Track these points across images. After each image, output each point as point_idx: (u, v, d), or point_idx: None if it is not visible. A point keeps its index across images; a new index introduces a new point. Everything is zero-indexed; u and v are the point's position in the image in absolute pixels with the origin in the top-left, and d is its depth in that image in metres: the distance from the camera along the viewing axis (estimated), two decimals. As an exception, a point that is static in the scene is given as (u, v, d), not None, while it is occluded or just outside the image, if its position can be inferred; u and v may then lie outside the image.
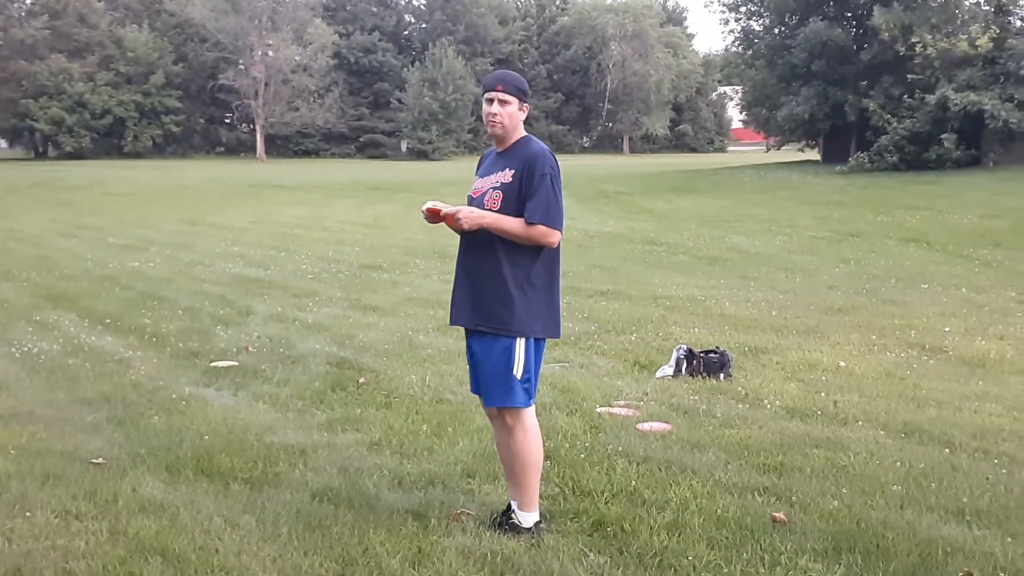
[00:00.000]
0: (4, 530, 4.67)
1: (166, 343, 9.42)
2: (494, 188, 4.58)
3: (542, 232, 4.43)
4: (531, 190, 4.46)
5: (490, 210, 4.52)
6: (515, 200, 4.49)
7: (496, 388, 4.56)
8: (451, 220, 4.49)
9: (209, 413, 6.91)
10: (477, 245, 4.58)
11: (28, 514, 4.87)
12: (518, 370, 4.51)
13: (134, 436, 6.35)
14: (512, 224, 4.44)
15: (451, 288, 4.74)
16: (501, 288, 4.48)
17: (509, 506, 4.75)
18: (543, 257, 4.53)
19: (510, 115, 4.57)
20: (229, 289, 13.03)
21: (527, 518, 4.65)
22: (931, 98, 32.33)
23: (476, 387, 4.73)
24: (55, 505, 5.01)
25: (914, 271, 13.79)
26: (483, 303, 4.53)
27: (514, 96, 4.57)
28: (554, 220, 4.45)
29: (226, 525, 4.75)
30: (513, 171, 4.54)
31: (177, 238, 20.30)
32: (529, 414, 4.64)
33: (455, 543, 4.53)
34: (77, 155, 70.28)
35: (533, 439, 4.64)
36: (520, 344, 4.51)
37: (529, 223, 4.43)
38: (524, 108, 4.62)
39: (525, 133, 4.69)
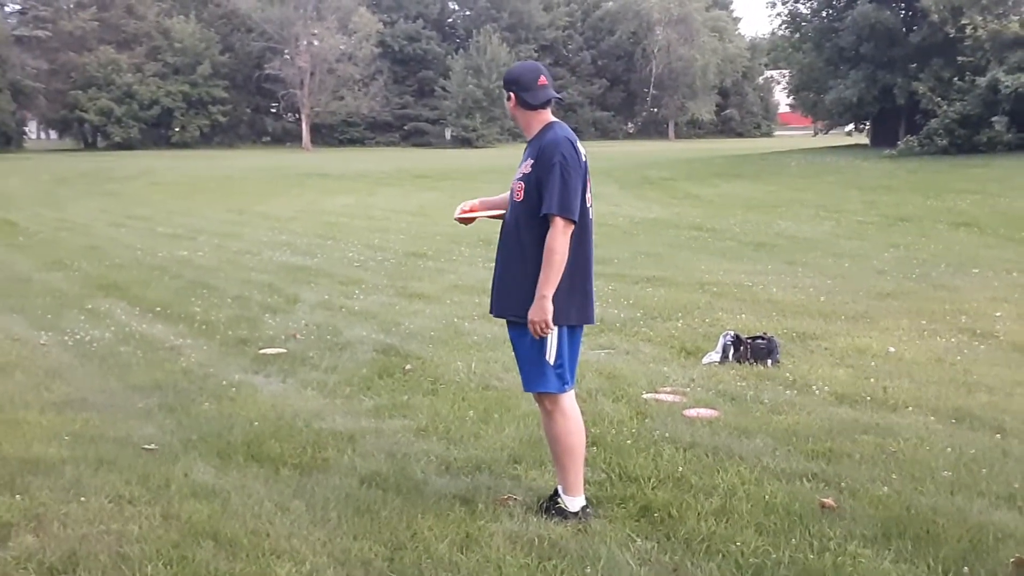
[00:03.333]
0: (59, 515, 4.74)
1: (215, 331, 9.53)
2: (518, 179, 4.64)
3: (559, 225, 4.42)
4: (544, 181, 4.48)
5: (516, 201, 4.61)
6: (535, 190, 4.53)
7: (530, 374, 4.64)
8: (536, 332, 4.48)
9: (259, 400, 6.98)
10: (507, 238, 4.68)
11: (83, 499, 4.95)
12: (551, 356, 4.55)
13: (185, 422, 6.43)
14: (546, 267, 4.42)
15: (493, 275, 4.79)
16: (529, 280, 4.49)
17: (556, 491, 4.76)
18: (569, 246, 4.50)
19: (512, 110, 4.67)
20: (277, 277, 13.14)
21: (573, 502, 4.66)
22: (981, 80, 31.79)
23: None
24: (109, 490, 5.08)
25: (964, 255, 13.61)
26: (513, 294, 4.59)
27: (507, 91, 4.66)
28: (567, 209, 4.43)
29: (277, 509, 4.81)
30: (532, 161, 4.57)
31: (225, 227, 20.48)
32: (567, 399, 4.67)
33: (503, 528, 4.55)
34: (126, 145, 71.07)
35: (573, 424, 4.66)
36: (553, 333, 4.53)
37: (545, 215, 4.44)
38: (511, 98, 4.65)
39: (550, 120, 4.68)
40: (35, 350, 8.91)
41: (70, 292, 12.21)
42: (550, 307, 4.42)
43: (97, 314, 10.62)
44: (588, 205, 4.64)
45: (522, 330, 4.55)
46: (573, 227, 4.47)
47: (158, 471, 5.38)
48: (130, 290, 12.20)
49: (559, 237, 4.42)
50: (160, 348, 8.86)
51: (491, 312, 4.84)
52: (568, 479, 4.67)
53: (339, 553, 4.31)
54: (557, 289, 4.45)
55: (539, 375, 4.61)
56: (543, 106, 4.65)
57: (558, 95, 4.73)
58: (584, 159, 4.60)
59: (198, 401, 6.96)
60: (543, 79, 4.62)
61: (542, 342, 4.54)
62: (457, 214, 4.99)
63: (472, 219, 5.02)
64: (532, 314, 4.45)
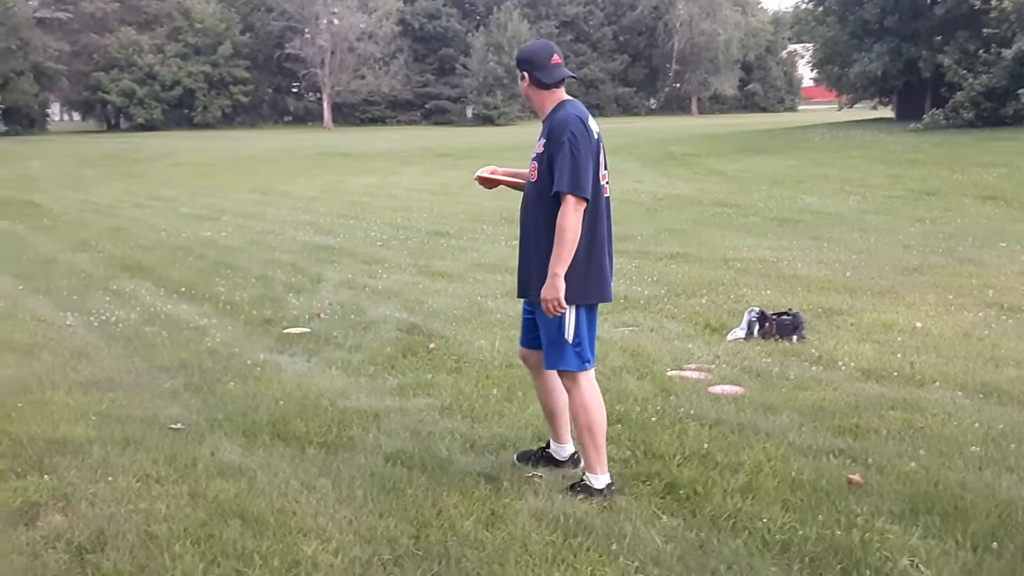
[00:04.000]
0: (87, 494, 4.78)
1: (240, 311, 9.56)
2: (532, 159, 4.68)
3: (571, 203, 4.43)
4: (555, 159, 4.50)
5: (531, 181, 4.67)
6: (547, 169, 4.55)
7: (551, 353, 4.68)
8: (548, 310, 4.51)
9: (283, 379, 7.00)
10: (525, 218, 4.74)
11: (110, 478, 4.98)
12: (569, 335, 4.58)
13: (211, 402, 6.46)
14: (559, 245, 4.43)
15: (517, 253, 4.83)
16: (546, 259, 4.50)
17: (583, 469, 4.78)
18: (582, 227, 4.49)
19: (525, 89, 4.68)
20: (300, 257, 13.17)
21: (597, 480, 4.67)
22: (1008, 52, 31.38)
23: (523, 341, 4.99)
24: (136, 470, 5.11)
25: (991, 229, 13.49)
26: (533, 274, 4.64)
27: (520, 71, 4.67)
28: (578, 187, 4.43)
29: (303, 488, 4.83)
30: (544, 140, 4.60)
31: (248, 207, 20.54)
32: (586, 378, 4.69)
33: (528, 506, 4.55)
34: (148, 127, 71.32)
35: (591, 401, 4.67)
36: (570, 312, 4.55)
37: (556, 192, 4.46)
38: (524, 77, 4.65)
39: (564, 99, 4.67)
40: (61, 331, 8.97)
41: (95, 273, 12.29)
42: (562, 285, 4.43)
43: (122, 295, 10.68)
44: (604, 183, 4.65)
45: (543, 310, 4.55)
46: (585, 205, 4.47)
47: (185, 450, 5.41)
48: (155, 271, 12.26)
49: (571, 215, 4.43)
50: (185, 328, 8.90)
51: (518, 295, 4.90)
52: (590, 457, 4.70)
53: (365, 531, 4.32)
54: (573, 268, 4.46)
55: (559, 354, 4.64)
56: (557, 85, 4.64)
57: (572, 74, 4.72)
58: (597, 136, 4.60)
59: (223, 381, 6.98)
60: (556, 57, 4.62)
61: (560, 321, 4.56)
62: (480, 172, 5.02)
63: (495, 182, 5.04)
64: (544, 292, 4.47)
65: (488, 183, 5.07)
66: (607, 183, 4.68)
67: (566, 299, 4.47)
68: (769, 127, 44.35)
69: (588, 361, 4.67)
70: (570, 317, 4.56)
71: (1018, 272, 10.28)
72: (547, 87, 4.62)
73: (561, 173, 4.44)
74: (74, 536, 4.30)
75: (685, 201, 18.74)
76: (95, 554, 4.15)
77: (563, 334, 4.58)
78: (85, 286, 11.25)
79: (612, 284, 4.79)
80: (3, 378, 7.18)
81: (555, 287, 4.43)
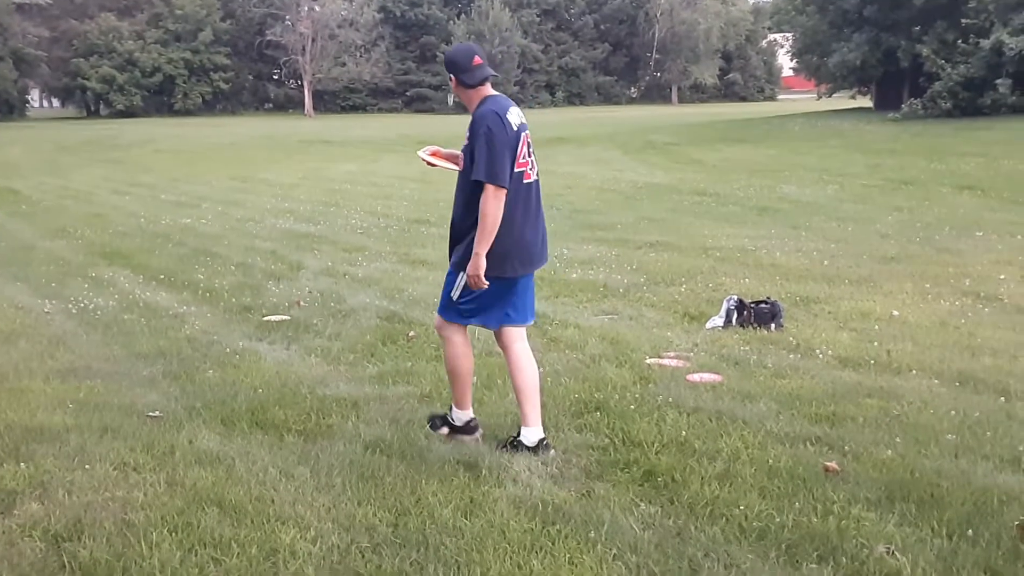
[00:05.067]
0: (64, 482, 4.75)
1: (219, 298, 9.53)
2: (462, 150, 5.13)
3: (490, 190, 4.86)
4: (475, 152, 4.94)
5: (461, 171, 5.13)
6: (470, 160, 5.00)
7: (442, 303, 5.27)
8: (471, 284, 5.03)
9: (263, 367, 6.99)
10: (455, 203, 5.21)
11: (87, 466, 4.96)
12: (455, 294, 5.12)
13: (189, 390, 6.45)
14: (484, 226, 4.89)
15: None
16: (464, 240, 5.04)
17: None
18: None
19: (455, 89, 5.17)
20: (280, 244, 13.14)
21: (457, 416, 5.32)
22: (985, 43, 31.56)
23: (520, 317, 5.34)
24: (113, 458, 5.09)
25: (968, 219, 13.57)
26: (459, 248, 5.13)
27: (448, 73, 5.15)
28: (494, 176, 4.85)
29: (281, 476, 4.82)
30: (468, 134, 5.02)
31: (228, 195, 20.47)
32: (459, 331, 5.26)
33: (506, 493, 4.56)
34: (128, 113, 70.95)
35: (458, 352, 5.26)
36: (461, 277, 5.05)
37: (474, 180, 4.91)
38: (451, 79, 5.11)
39: (487, 95, 5.09)
40: (39, 318, 8.93)
41: (74, 260, 12.23)
42: (483, 263, 4.90)
43: (101, 282, 10.63)
44: (526, 170, 5.06)
45: (451, 272, 5.16)
46: (504, 192, 4.87)
47: (163, 438, 5.39)
48: (134, 258, 12.21)
49: (490, 201, 4.86)
50: (164, 316, 8.87)
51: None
52: (455, 395, 5.35)
53: (343, 519, 4.33)
54: (492, 247, 4.91)
55: (445, 304, 5.23)
56: (480, 84, 5.07)
57: (493, 73, 5.15)
58: (517, 128, 4.99)
59: (202, 368, 6.97)
60: (477, 59, 5.05)
61: (451, 280, 5.13)
62: (424, 154, 5.43)
63: (435, 164, 5.41)
64: (469, 269, 4.96)
65: (432, 164, 5.41)
66: (532, 169, 5.11)
67: (460, 267, 5.02)
68: (749, 116, 44.48)
69: (470, 318, 5.19)
70: (461, 280, 5.05)
71: (994, 261, 10.35)
72: (471, 87, 5.07)
73: (479, 164, 4.88)
74: (51, 524, 4.28)
75: (665, 190, 18.78)
76: (72, 542, 4.13)
77: (451, 289, 5.14)
78: (63, 273, 11.19)
79: (546, 253, 5.33)
80: (-20, 366, 7.14)
81: (476, 265, 4.91)
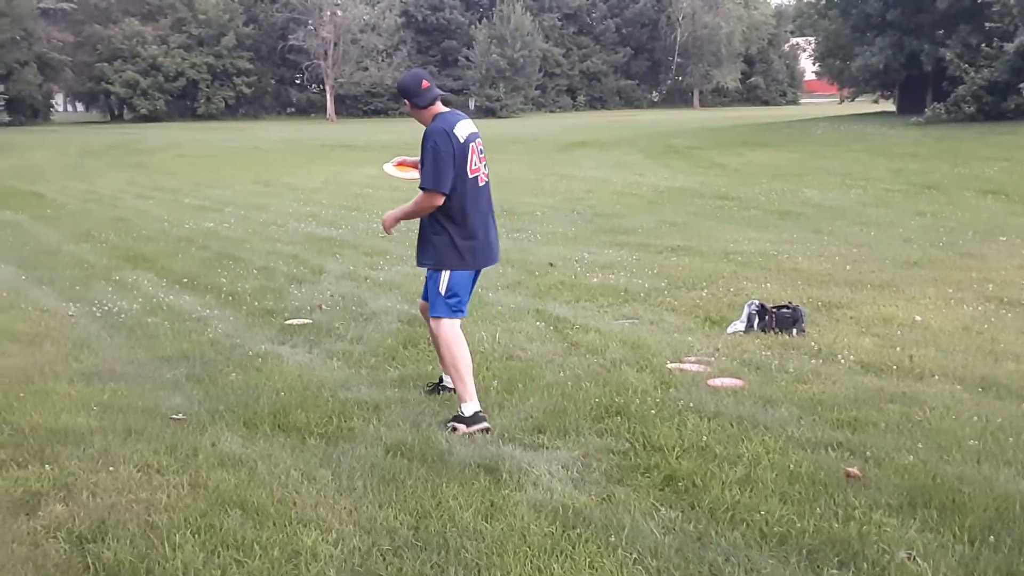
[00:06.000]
0: (88, 484, 4.80)
1: (242, 302, 9.58)
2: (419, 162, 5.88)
3: (427, 196, 5.64)
4: (424, 162, 5.67)
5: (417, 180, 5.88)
6: (421, 170, 5.76)
7: (431, 302, 5.90)
8: (383, 226, 6.06)
9: (285, 370, 7.02)
10: None
11: (111, 468, 5.00)
12: (443, 289, 5.78)
13: (212, 392, 6.49)
14: (409, 206, 5.83)
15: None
16: (433, 236, 5.79)
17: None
18: (449, 210, 5.67)
19: (410, 111, 5.85)
20: (302, 248, 13.19)
21: (466, 407, 5.66)
22: (1009, 46, 31.32)
23: (423, 296, 6.13)
24: (137, 460, 5.13)
25: (992, 223, 13.49)
26: (424, 249, 5.88)
27: (403, 98, 5.86)
28: (436, 183, 5.60)
29: (303, 479, 4.85)
30: (422, 147, 5.68)
31: (251, 199, 20.55)
32: (451, 324, 5.83)
33: (527, 497, 4.57)
34: (152, 117, 71.38)
35: (455, 344, 5.79)
36: (444, 274, 5.77)
37: (421, 187, 5.68)
38: (406, 104, 5.81)
39: (438, 112, 5.75)
40: (64, 321, 9.00)
41: (98, 264, 12.31)
42: (391, 220, 5.93)
43: (125, 285, 10.70)
44: (480, 174, 5.79)
45: (433, 274, 5.83)
46: (440, 197, 5.61)
47: (186, 441, 5.43)
48: (157, 262, 12.28)
49: (423, 201, 5.68)
50: (187, 319, 8.92)
51: (417, 263, 6.04)
52: (459, 388, 5.76)
53: (365, 521, 4.35)
54: (449, 242, 5.73)
55: (435, 303, 5.85)
56: (430, 104, 5.73)
57: (442, 92, 5.86)
58: (465, 140, 5.67)
59: (225, 371, 7.01)
60: (425, 83, 5.74)
61: (437, 280, 5.81)
62: (389, 167, 6.42)
63: (398, 176, 6.28)
64: (384, 217, 6.01)
65: (393, 176, 6.32)
66: (484, 173, 5.84)
67: (442, 264, 5.76)
68: (771, 120, 44.34)
69: (458, 312, 5.85)
70: (444, 277, 5.76)
71: (1018, 266, 10.29)
72: (422, 108, 5.74)
73: (425, 173, 5.64)
74: (75, 526, 4.32)
75: (686, 194, 18.74)
76: (96, 544, 4.17)
77: (438, 288, 5.78)
78: (87, 276, 11.27)
79: (497, 251, 6.04)
80: (5, 368, 7.21)
81: (391, 218, 5.94)
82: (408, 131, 48.37)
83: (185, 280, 10.85)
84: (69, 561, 4.04)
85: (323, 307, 9.24)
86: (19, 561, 4.04)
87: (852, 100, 49.06)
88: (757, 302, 8.06)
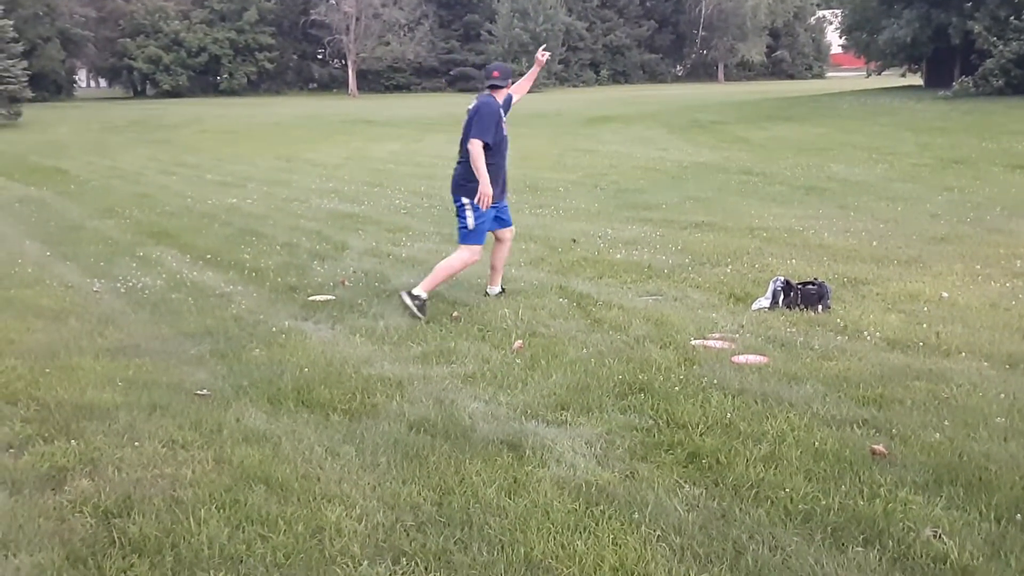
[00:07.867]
0: (114, 459, 4.83)
1: (265, 278, 9.60)
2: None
3: (475, 143, 7.77)
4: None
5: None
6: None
7: (462, 234, 8.11)
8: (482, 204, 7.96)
9: (308, 346, 7.04)
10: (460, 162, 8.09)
11: (136, 444, 5.03)
12: (471, 222, 7.94)
13: (236, 368, 6.51)
14: (474, 163, 7.81)
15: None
16: (461, 178, 7.96)
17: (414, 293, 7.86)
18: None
19: (491, 91, 8.08)
20: (325, 224, 13.20)
21: (421, 291, 7.80)
22: (1038, 20, 30.98)
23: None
24: (162, 435, 5.16)
25: (1020, 199, 13.35)
26: (460, 190, 7.99)
27: (499, 79, 8.09)
28: (480, 134, 7.79)
29: (327, 454, 4.86)
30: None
31: (273, 175, 20.59)
32: (469, 250, 8.08)
33: (550, 474, 4.56)
34: (174, 93, 71.58)
35: (457, 263, 8.04)
36: (469, 209, 7.92)
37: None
38: (494, 81, 8.04)
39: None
40: (88, 297, 9.04)
41: (122, 240, 12.36)
42: (485, 192, 7.79)
43: (148, 261, 10.75)
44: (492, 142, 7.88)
45: (460, 210, 8.00)
46: (479, 144, 7.77)
47: (210, 416, 5.46)
48: (180, 237, 12.33)
49: (475, 148, 7.80)
50: (211, 295, 8.95)
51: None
52: (426, 279, 7.92)
53: (388, 497, 4.35)
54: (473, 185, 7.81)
55: (467, 235, 8.02)
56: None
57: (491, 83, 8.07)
58: (468, 111, 8.02)
59: (249, 347, 7.03)
60: (495, 72, 8.07)
61: (464, 215, 7.96)
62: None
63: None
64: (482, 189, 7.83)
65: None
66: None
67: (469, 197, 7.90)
68: (796, 94, 44.02)
69: (483, 236, 8.06)
70: (474, 210, 7.88)
71: (1047, 242, 10.18)
72: (503, 88, 8.11)
73: (474, 128, 7.87)
74: (101, 500, 4.35)
75: (711, 169, 18.64)
76: (121, 518, 4.19)
77: (466, 223, 7.96)
78: (111, 252, 11.32)
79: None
80: (31, 343, 7.25)
81: (484, 193, 7.82)
82: (431, 106, 48.41)
83: (208, 256, 10.88)
84: (95, 536, 4.07)
85: (346, 283, 9.24)
86: (45, 536, 4.07)
87: (879, 74, 48.60)
88: (782, 278, 8.01)
